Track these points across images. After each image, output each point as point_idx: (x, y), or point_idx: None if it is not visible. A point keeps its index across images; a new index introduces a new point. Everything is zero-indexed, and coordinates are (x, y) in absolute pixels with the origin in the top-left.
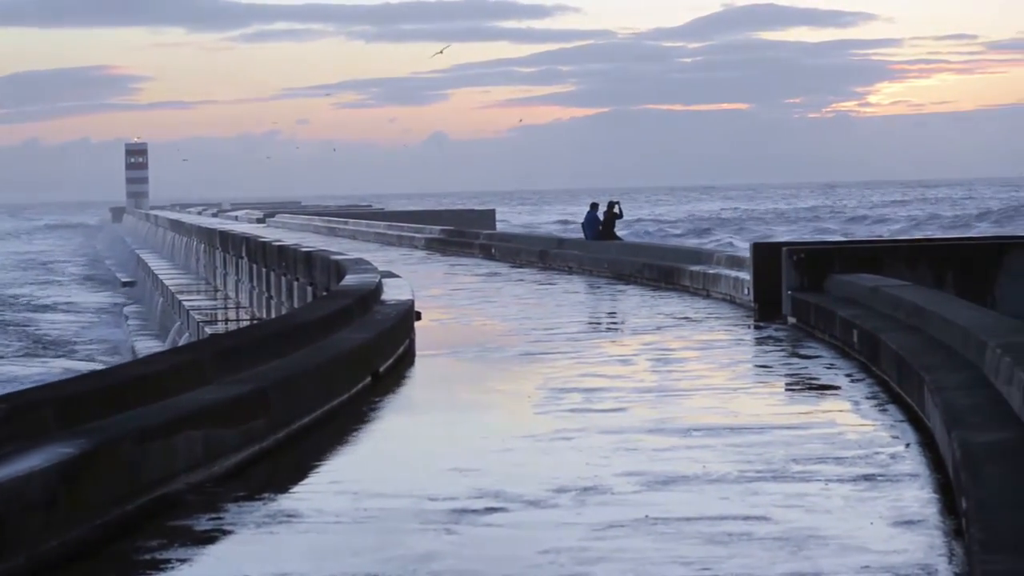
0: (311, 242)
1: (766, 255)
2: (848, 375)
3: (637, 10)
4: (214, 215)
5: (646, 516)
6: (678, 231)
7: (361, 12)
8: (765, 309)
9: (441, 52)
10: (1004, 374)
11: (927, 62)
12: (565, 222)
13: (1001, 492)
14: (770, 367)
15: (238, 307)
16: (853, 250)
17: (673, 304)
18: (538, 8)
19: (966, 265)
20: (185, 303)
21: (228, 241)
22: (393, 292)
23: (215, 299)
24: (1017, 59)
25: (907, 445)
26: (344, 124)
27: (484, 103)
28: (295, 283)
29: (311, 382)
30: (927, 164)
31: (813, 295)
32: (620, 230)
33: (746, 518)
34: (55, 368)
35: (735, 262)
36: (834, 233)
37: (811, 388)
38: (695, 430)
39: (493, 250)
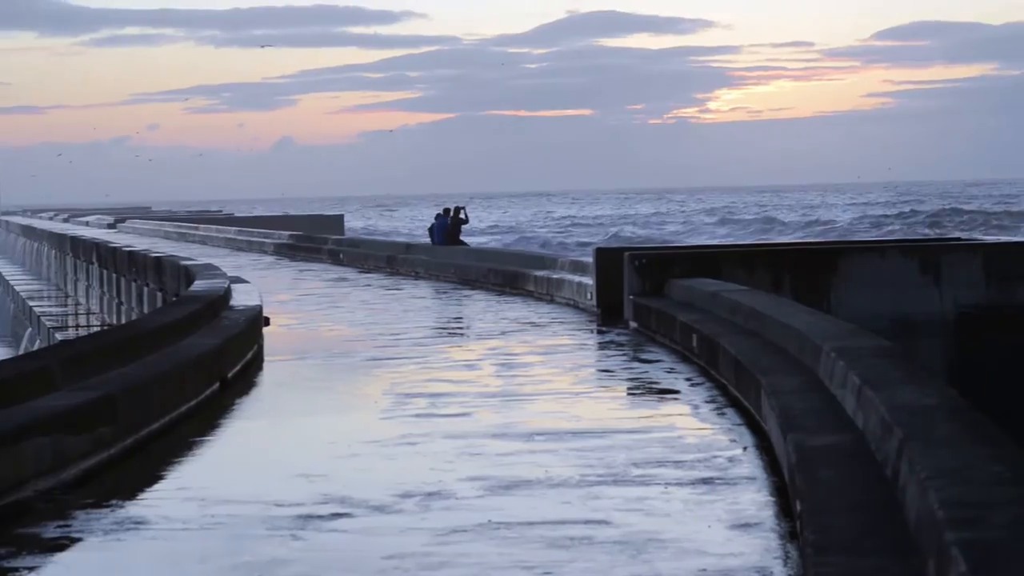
0: (161, 247)
1: (609, 260)
2: (688, 379)
3: (483, 17)
4: (65, 220)
5: (489, 521)
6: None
7: (211, 17)
8: (608, 314)
9: None
10: (838, 378)
11: (765, 69)
12: (413, 227)
13: (835, 495)
14: (612, 371)
15: (89, 313)
16: (693, 255)
17: (518, 309)
18: (386, 14)
19: (803, 270)
20: (36, 309)
21: (79, 246)
22: (242, 298)
23: (66, 305)
24: (854, 66)
25: (744, 448)
26: (194, 129)
27: (332, 108)
28: (145, 289)
29: (159, 388)
30: (766, 170)
31: (654, 300)
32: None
33: (587, 522)
34: None
35: (579, 267)
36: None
37: (652, 392)
38: (538, 435)
39: (341, 255)
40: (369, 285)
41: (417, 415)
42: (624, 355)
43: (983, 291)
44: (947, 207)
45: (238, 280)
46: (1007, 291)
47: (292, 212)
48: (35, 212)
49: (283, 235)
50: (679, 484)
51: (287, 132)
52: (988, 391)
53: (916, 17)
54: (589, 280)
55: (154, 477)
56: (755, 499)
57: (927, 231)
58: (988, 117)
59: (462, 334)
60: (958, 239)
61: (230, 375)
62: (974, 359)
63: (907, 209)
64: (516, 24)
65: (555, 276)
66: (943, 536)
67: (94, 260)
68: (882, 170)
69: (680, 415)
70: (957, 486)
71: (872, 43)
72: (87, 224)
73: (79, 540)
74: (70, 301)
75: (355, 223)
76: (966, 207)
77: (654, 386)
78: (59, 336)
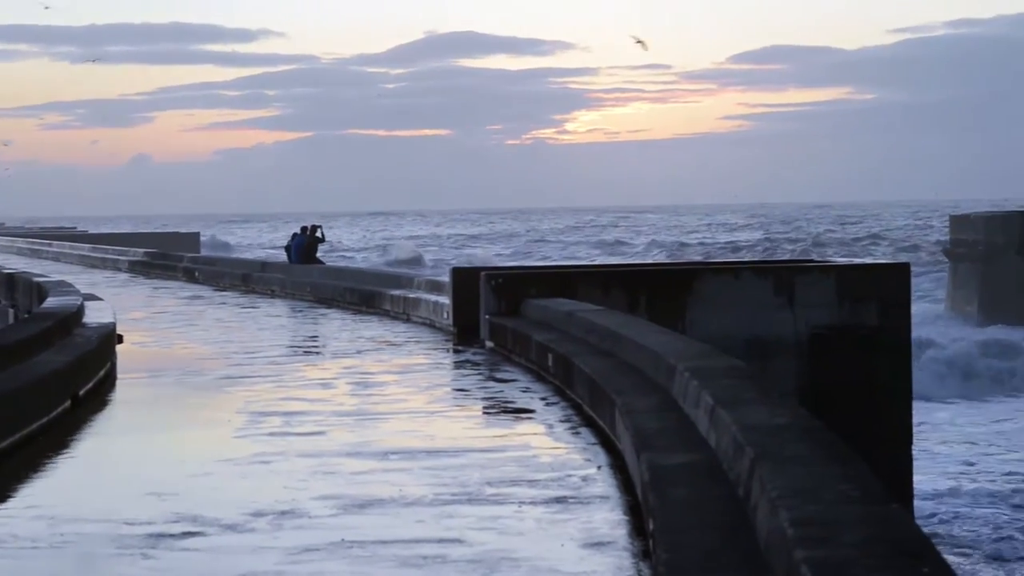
0: (13, 264)
1: (465, 280)
2: (543, 398)
3: (341, 36)
4: None
5: (342, 539)
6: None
7: (66, 33)
8: (464, 333)
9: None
10: (692, 397)
11: (623, 91)
12: (269, 245)
13: (687, 514)
14: (467, 391)
15: None
16: (549, 275)
17: (374, 328)
18: (243, 32)
19: (659, 290)
20: None
21: None
22: (95, 315)
23: None
24: (710, 89)
25: (599, 467)
26: (49, 146)
27: (188, 126)
28: None
29: (9, 406)
30: (623, 191)
31: (510, 319)
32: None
33: (440, 541)
34: None
35: (435, 286)
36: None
37: (507, 411)
38: (393, 453)
39: (196, 273)
40: (224, 303)
41: (271, 433)
42: (480, 374)
43: (835, 312)
44: (803, 234)
45: (91, 297)
46: (859, 312)
47: (147, 229)
48: None
49: (138, 252)
50: (533, 503)
51: (143, 149)
52: (839, 411)
53: (771, 41)
54: (445, 299)
55: (2, 496)
56: (608, 518)
57: (776, 252)
58: (843, 141)
59: (317, 353)
60: (811, 260)
61: (82, 393)
62: (826, 379)
63: (764, 234)
64: (375, 44)
65: (411, 295)
66: (793, 554)
67: None
68: (740, 191)
69: (535, 434)
70: (807, 505)
71: (728, 66)
72: None
73: None
74: None
75: (211, 241)
76: (814, 230)
77: (509, 405)
78: None
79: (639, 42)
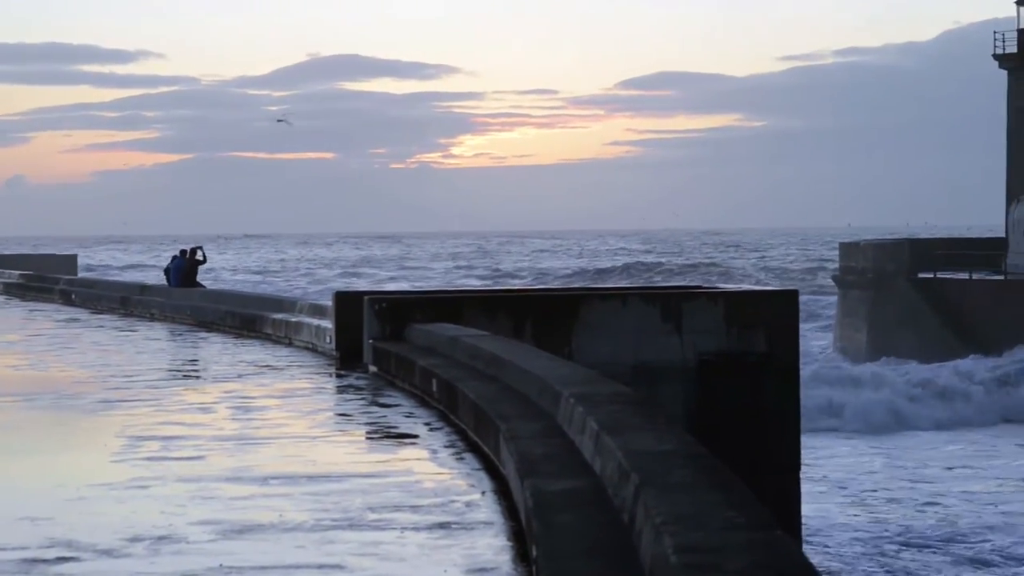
0: None
1: (348, 304)
2: (427, 424)
3: (222, 58)
4: None
5: (220, 565)
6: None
7: None
8: (347, 358)
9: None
10: (577, 423)
11: (509, 116)
12: (148, 268)
13: (571, 540)
14: (350, 416)
15: None
16: (434, 300)
17: (255, 352)
18: (121, 53)
19: (545, 316)
20: None
21: None
22: None
23: None
24: (597, 115)
25: (483, 493)
26: None
27: (66, 147)
28: None
29: None
30: (509, 216)
31: (394, 344)
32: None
33: (321, 567)
34: None
35: (317, 310)
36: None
37: (390, 437)
38: (273, 478)
39: (74, 296)
40: (102, 326)
41: (149, 458)
42: (363, 399)
43: (723, 338)
44: (687, 261)
45: None
46: (747, 339)
47: (24, 250)
48: None
49: (13, 274)
50: (416, 529)
51: (19, 170)
52: (727, 437)
53: (660, 67)
54: (328, 324)
55: None
56: (492, 544)
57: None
58: (732, 167)
59: (197, 377)
60: (699, 287)
61: None
62: (714, 405)
63: (652, 259)
64: (256, 66)
65: (294, 319)
66: None
67: None
68: (628, 217)
69: (418, 460)
70: (691, 531)
71: (616, 92)
72: None
73: None
74: None
75: (89, 262)
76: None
77: (392, 430)
78: None
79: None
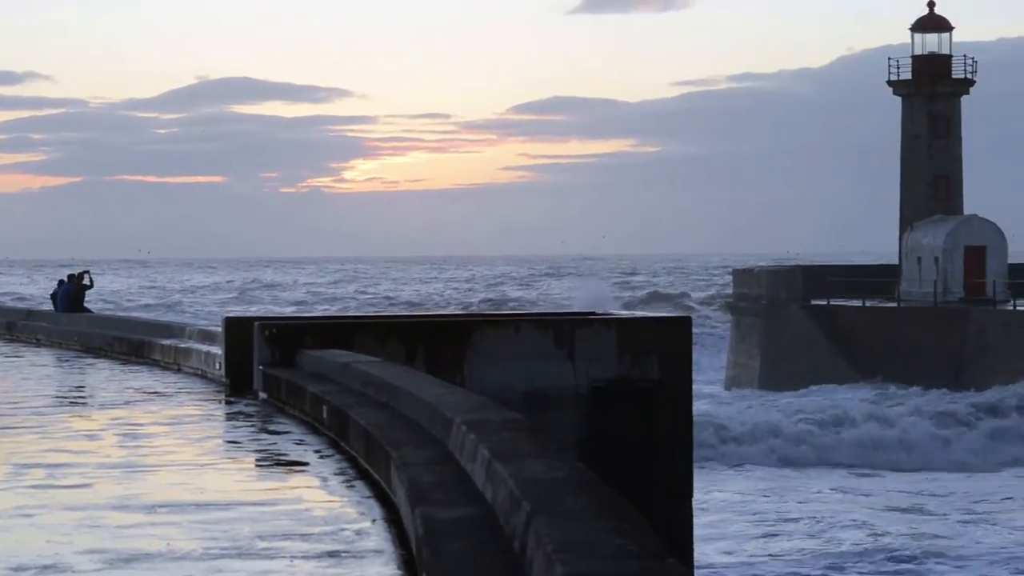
0: None
1: (238, 329)
2: (317, 451)
3: (111, 80)
4: None
5: None
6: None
7: None
8: (237, 384)
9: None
10: (468, 451)
11: (401, 140)
12: (34, 293)
13: (461, 568)
14: (239, 443)
15: None
16: (326, 326)
17: (144, 378)
18: (8, 75)
19: (437, 342)
20: None
21: None
22: None
23: None
24: (490, 139)
25: (373, 521)
26: None
27: None
28: None
29: None
30: (401, 241)
31: (285, 370)
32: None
33: None
34: None
35: (207, 336)
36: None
37: (280, 464)
38: (161, 506)
39: None
40: None
41: (34, 486)
42: (252, 426)
43: (616, 365)
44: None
45: None
46: (639, 365)
47: None
48: None
49: None
50: (305, 557)
51: None
52: (620, 464)
53: (553, 92)
54: (218, 350)
55: None
56: (382, 572)
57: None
58: (627, 192)
59: (84, 403)
60: (592, 313)
61: None
62: (606, 432)
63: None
64: (145, 89)
65: (183, 345)
66: None
67: None
68: (517, 242)
69: (308, 487)
70: (582, 559)
71: (509, 117)
72: None
73: None
74: None
75: None
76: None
77: (282, 458)
78: None
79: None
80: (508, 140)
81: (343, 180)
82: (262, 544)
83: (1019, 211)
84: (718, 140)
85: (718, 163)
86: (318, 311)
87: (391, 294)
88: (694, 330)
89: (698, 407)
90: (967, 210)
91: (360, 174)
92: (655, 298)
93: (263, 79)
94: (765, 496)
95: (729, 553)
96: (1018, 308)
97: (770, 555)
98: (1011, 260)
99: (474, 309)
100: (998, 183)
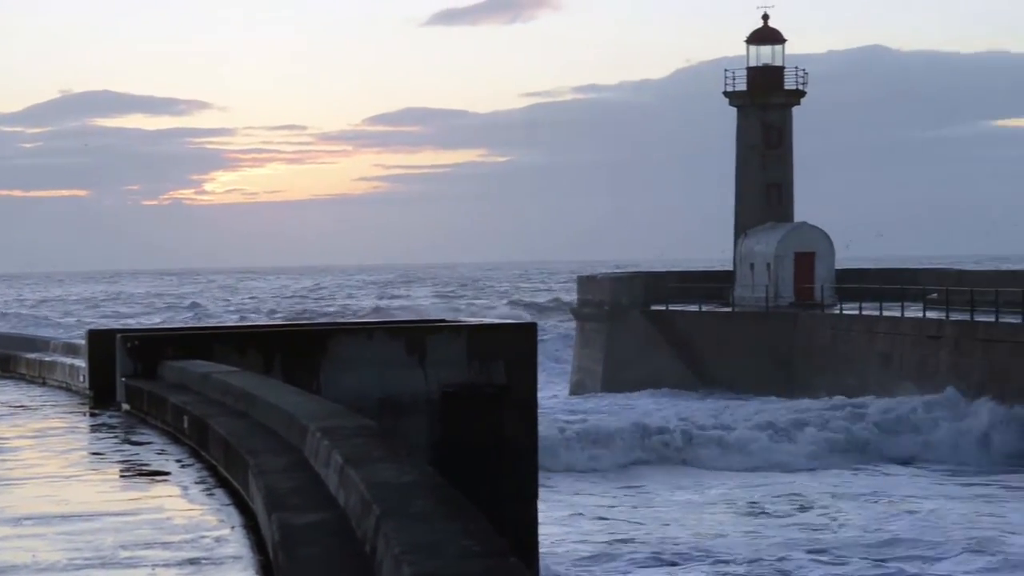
0: None
1: (101, 342)
2: (178, 460)
3: None
4: None
5: None
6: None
7: None
8: (101, 396)
9: None
10: (323, 457)
11: (260, 152)
12: None
13: (316, 571)
14: (103, 454)
15: None
16: (186, 337)
17: (9, 392)
18: None
19: (293, 351)
20: None
21: None
22: None
23: None
24: (346, 150)
25: (232, 528)
26: None
27: None
28: None
29: None
30: (261, 251)
31: (147, 382)
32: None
33: None
34: None
35: (71, 349)
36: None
37: (142, 474)
38: (26, 519)
39: None
40: None
41: None
42: (116, 437)
43: (465, 371)
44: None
45: None
46: (487, 371)
47: None
48: None
49: None
50: (166, 565)
51: None
52: (470, 467)
53: (406, 104)
54: (82, 362)
55: None
56: None
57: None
58: (478, 202)
59: None
60: (443, 320)
61: None
62: (456, 437)
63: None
64: (8, 103)
65: (47, 359)
66: None
67: None
68: (373, 252)
69: (170, 496)
70: (430, 560)
71: (363, 128)
72: None
73: None
74: None
75: None
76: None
77: (145, 468)
78: None
79: None
80: (363, 151)
81: (204, 192)
82: (125, 553)
83: (847, 218)
84: (565, 150)
85: (565, 172)
86: (179, 322)
87: (247, 303)
88: (541, 336)
89: (555, 414)
90: (798, 217)
91: (220, 186)
92: (504, 305)
93: (124, 92)
94: (611, 500)
95: (572, 550)
96: (845, 312)
97: (612, 548)
98: (839, 266)
99: (332, 318)
100: (827, 191)
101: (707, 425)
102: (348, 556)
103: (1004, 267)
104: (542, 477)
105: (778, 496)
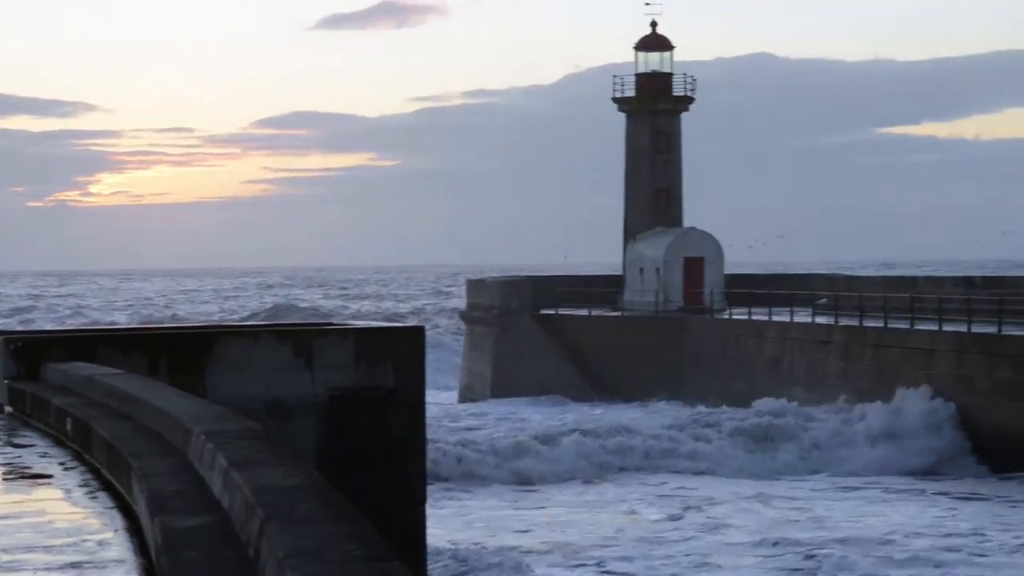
0: None
1: None
2: (61, 463)
3: None
4: None
5: None
6: None
7: None
8: None
9: None
10: (207, 460)
11: (147, 154)
12: None
13: (199, 575)
14: None
15: None
16: (70, 339)
17: None
18: None
19: (179, 353)
20: None
21: None
22: None
23: None
24: (233, 153)
25: (115, 531)
26: None
27: None
28: None
29: None
30: (148, 254)
31: (30, 384)
32: None
33: None
34: None
35: None
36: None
37: (24, 477)
38: None
39: None
40: None
41: None
42: None
43: (353, 374)
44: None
45: None
46: (375, 374)
47: None
48: None
49: None
50: (48, 569)
51: None
52: (358, 471)
53: (294, 107)
54: None
55: None
56: None
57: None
58: (367, 205)
59: None
60: (330, 324)
61: None
62: (344, 440)
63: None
64: None
65: None
66: None
67: None
68: (261, 255)
69: (52, 500)
70: (312, 564)
71: (251, 131)
72: None
73: None
74: None
75: None
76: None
77: (27, 471)
78: None
79: None
80: (251, 154)
81: (89, 194)
82: (6, 557)
83: (735, 222)
84: (454, 154)
85: (454, 177)
86: (65, 324)
87: (132, 304)
88: (431, 340)
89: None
90: (687, 222)
91: (106, 188)
92: (394, 308)
93: (8, 93)
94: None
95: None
96: (734, 317)
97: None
98: (727, 271)
99: (216, 320)
100: (716, 196)
101: (601, 432)
102: (231, 560)
103: (891, 272)
104: (436, 486)
105: (665, 498)
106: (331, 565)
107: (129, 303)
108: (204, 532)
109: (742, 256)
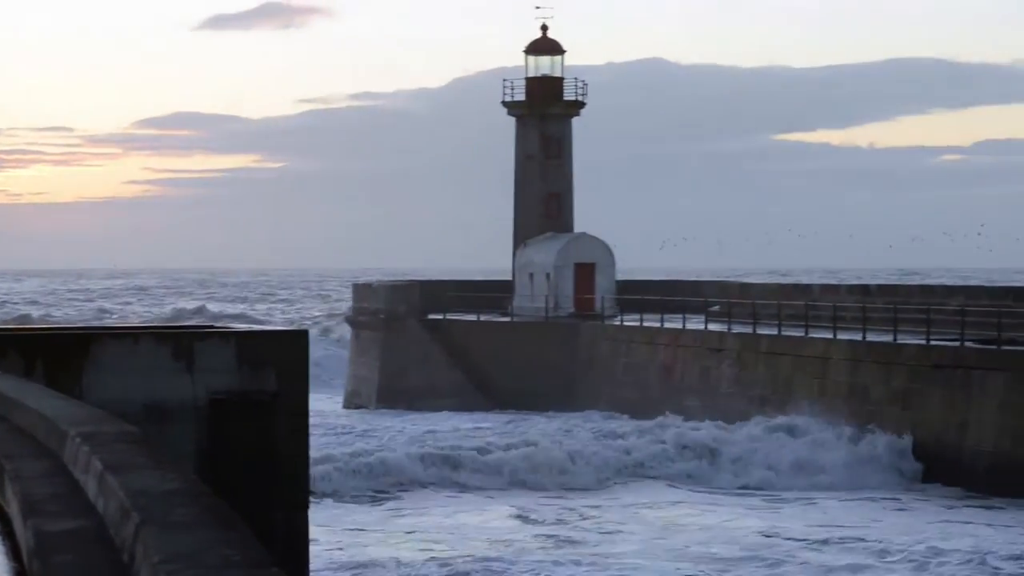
0: None
1: None
2: None
3: None
4: None
5: None
6: None
7: None
8: None
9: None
10: (82, 463)
11: (24, 153)
12: None
13: None
14: None
15: None
16: None
17: None
18: None
19: (55, 355)
20: None
21: None
22: None
23: None
24: (114, 153)
25: None
26: None
27: None
28: None
29: None
30: (23, 254)
31: None
32: None
33: None
34: None
35: None
36: None
37: None
38: None
39: None
40: None
41: None
42: None
43: (234, 377)
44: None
45: None
46: (257, 378)
47: None
48: None
49: None
50: None
51: None
52: (239, 476)
53: (177, 108)
54: None
55: None
56: None
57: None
58: (251, 207)
59: None
60: (211, 326)
61: None
62: (225, 444)
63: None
64: None
65: None
66: None
67: None
68: (143, 257)
69: None
70: (188, 569)
71: (133, 131)
72: None
73: None
74: None
75: None
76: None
77: None
78: None
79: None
80: (132, 154)
81: None
82: None
83: (626, 228)
84: (340, 157)
85: (340, 179)
86: None
87: (3, 304)
88: (316, 344)
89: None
90: (577, 228)
91: None
92: (280, 310)
93: None
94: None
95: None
96: (625, 323)
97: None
98: (619, 277)
99: (99, 322)
100: (608, 202)
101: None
102: (105, 564)
103: (785, 280)
104: (322, 500)
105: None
106: (207, 570)
107: (1, 302)
108: (78, 536)
109: (632, 263)
